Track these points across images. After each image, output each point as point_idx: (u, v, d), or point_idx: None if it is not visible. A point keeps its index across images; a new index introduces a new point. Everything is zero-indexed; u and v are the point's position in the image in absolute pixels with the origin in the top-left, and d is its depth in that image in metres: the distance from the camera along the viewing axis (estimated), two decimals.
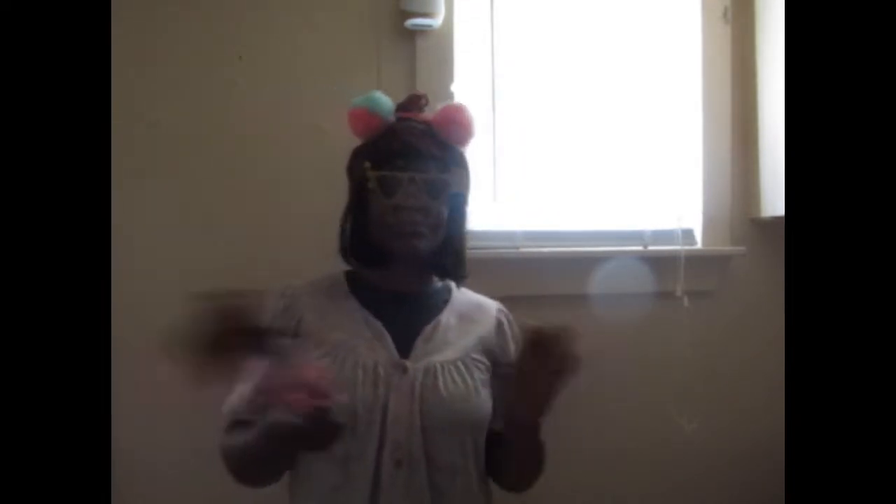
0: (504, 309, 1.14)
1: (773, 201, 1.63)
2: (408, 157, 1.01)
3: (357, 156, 1.07)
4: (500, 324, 1.11)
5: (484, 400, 1.02)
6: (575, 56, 1.62)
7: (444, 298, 1.10)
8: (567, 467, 1.50)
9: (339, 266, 1.11)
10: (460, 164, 1.06)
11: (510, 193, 1.57)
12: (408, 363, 0.99)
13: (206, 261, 1.37)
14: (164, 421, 1.35)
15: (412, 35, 1.45)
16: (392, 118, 1.06)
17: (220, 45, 1.38)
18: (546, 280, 1.50)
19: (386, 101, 1.07)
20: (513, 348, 1.08)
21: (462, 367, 1.02)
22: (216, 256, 1.38)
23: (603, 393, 1.56)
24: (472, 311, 1.10)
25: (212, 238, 1.38)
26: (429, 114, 1.09)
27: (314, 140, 1.40)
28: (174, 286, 1.36)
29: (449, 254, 1.07)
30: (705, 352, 1.61)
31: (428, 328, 1.04)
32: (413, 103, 1.09)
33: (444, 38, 1.47)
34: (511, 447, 1.02)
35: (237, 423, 1.00)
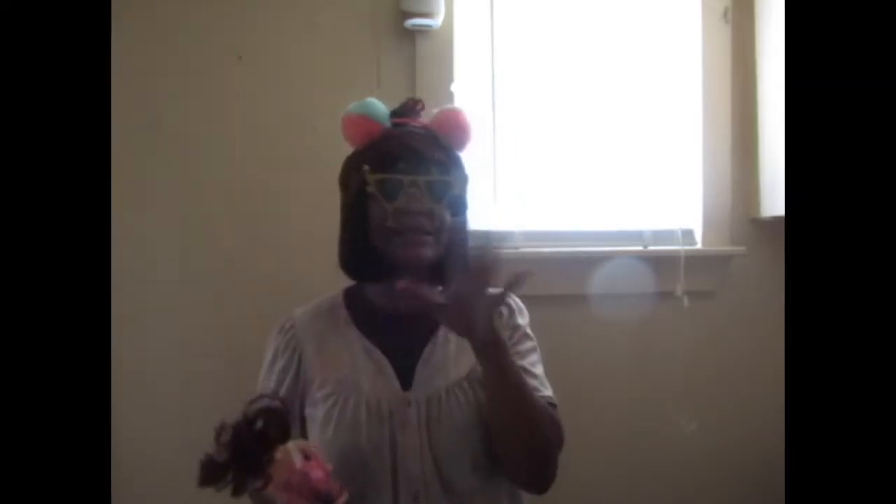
0: (507, 299, 1.05)
1: (773, 201, 1.63)
2: (409, 160, 0.97)
3: (352, 163, 1.03)
4: (499, 317, 1.03)
5: None
6: (575, 56, 1.62)
7: None
8: (566, 467, 1.50)
9: (337, 268, 1.10)
10: (460, 167, 1.03)
11: (510, 193, 1.57)
12: (410, 396, 0.97)
13: (205, 260, 1.38)
14: (164, 421, 1.35)
15: (412, 35, 1.45)
16: (388, 123, 1.03)
17: (220, 45, 1.38)
18: (546, 280, 1.50)
19: (382, 107, 1.04)
20: (508, 335, 1.02)
21: (467, 387, 0.98)
22: (216, 256, 1.38)
23: (603, 392, 1.56)
24: None
25: (211, 238, 1.38)
26: (425, 119, 1.06)
27: (313, 140, 1.40)
28: (174, 286, 1.37)
29: (454, 261, 0.99)
30: (705, 352, 1.62)
31: (427, 350, 1.00)
32: (410, 108, 1.05)
33: (444, 38, 1.47)
34: (494, 407, 0.94)
35: None
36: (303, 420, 1.01)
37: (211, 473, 0.77)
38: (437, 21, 1.42)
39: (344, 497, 0.80)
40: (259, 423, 0.79)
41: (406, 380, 0.98)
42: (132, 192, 1.32)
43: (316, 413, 0.98)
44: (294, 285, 1.31)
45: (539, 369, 1.04)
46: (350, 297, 1.07)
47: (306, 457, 0.79)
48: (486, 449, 0.97)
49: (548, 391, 1.02)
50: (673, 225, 1.63)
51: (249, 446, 0.77)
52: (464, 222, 1.03)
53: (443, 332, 1.01)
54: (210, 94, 1.38)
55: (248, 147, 1.39)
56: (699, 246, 1.66)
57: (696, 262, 1.59)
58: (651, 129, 1.67)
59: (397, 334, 1.00)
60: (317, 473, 0.79)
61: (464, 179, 1.02)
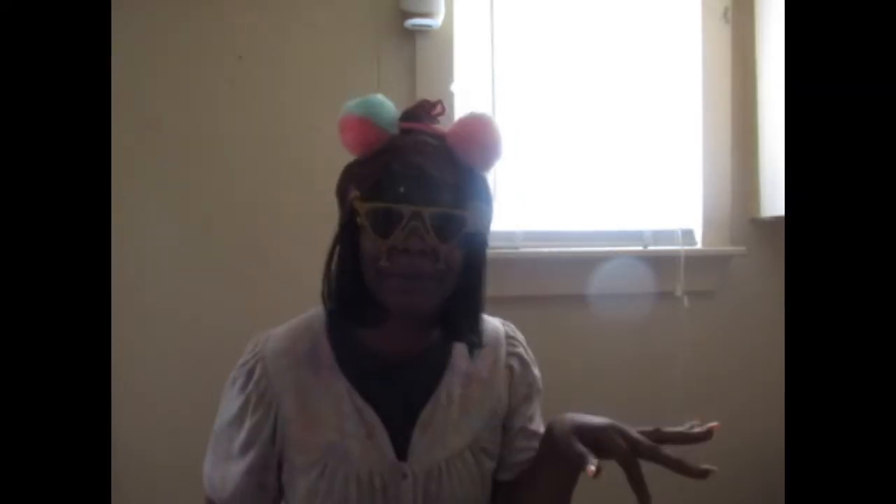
0: (515, 348, 0.92)
1: (773, 201, 1.63)
2: (413, 184, 0.75)
3: (348, 176, 0.82)
4: (511, 373, 0.90)
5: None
6: (575, 56, 1.62)
7: (443, 360, 0.87)
8: None
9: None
10: (482, 196, 0.80)
11: (510, 193, 1.57)
12: (406, 468, 0.82)
13: (204, 260, 1.38)
14: (164, 420, 1.35)
15: (412, 35, 1.45)
16: (394, 130, 0.80)
17: (220, 45, 1.38)
18: (546, 280, 1.50)
19: (388, 108, 0.80)
20: (522, 396, 0.90)
21: (469, 458, 0.85)
22: (214, 256, 1.38)
23: (603, 393, 1.56)
24: (479, 368, 0.88)
25: (211, 237, 1.38)
26: (443, 126, 0.83)
27: (313, 140, 1.40)
28: (174, 286, 1.37)
29: (462, 310, 0.82)
30: (705, 352, 1.62)
31: (426, 412, 0.83)
32: (424, 111, 0.83)
33: (444, 38, 1.47)
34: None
35: None
36: (278, 470, 0.85)
37: None
38: (437, 21, 1.42)
39: None
40: None
41: (401, 445, 0.82)
42: (132, 192, 1.32)
43: (297, 483, 0.82)
44: (294, 287, 1.31)
45: (541, 427, 0.90)
46: (334, 330, 0.85)
47: None
48: None
49: None
50: (673, 225, 1.63)
51: None
52: (480, 263, 0.82)
53: (446, 386, 0.85)
54: (210, 94, 1.38)
55: (249, 147, 1.39)
56: (699, 246, 1.66)
57: (696, 262, 1.59)
58: (651, 129, 1.67)
59: (392, 386, 0.83)
60: None
61: (486, 211, 0.80)
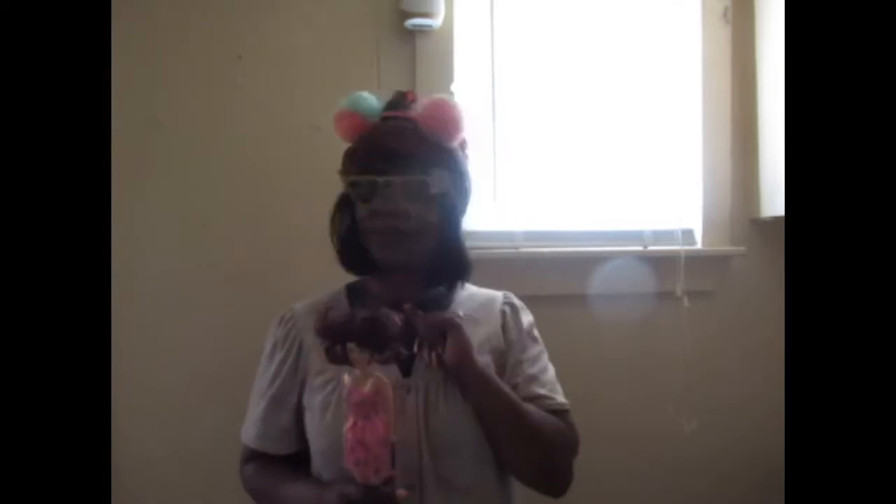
0: (510, 299, 1.09)
1: (773, 201, 1.63)
2: (387, 159, 0.96)
3: (345, 158, 1.03)
4: (503, 315, 1.06)
5: None
6: (575, 56, 1.62)
7: (445, 304, 1.05)
8: None
9: (337, 268, 1.10)
10: (447, 165, 0.99)
11: (510, 193, 1.57)
12: (410, 382, 0.96)
13: (204, 260, 1.38)
14: (164, 421, 1.35)
15: (412, 35, 1.45)
16: (377, 118, 1.01)
17: (220, 45, 1.38)
18: (546, 280, 1.50)
19: (370, 101, 1.02)
20: (515, 337, 1.04)
21: None
22: (215, 256, 1.38)
23: (603, 393, 1.56)
24: (475, 311, 1.05)
25: (211, 238, 1.38)
26: (416, 111, 1.01)
27: (313, 140, 1.40)
28: (173, 286, 1.37)
29: (445, 258, 1.02)
30: (705, 352, 1.62)
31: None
32: (398, 102, 1.02)
33: (444, 38, 1.47)
34: (492, 436, 0.96)
35: (256, 454, 1.03)
36: (298, 412, 1.00)
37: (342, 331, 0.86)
38: (437, 21, 1.42)
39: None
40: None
41: (406, 369, 0.96)
42: (132, 192, 1.32)
43: (314, 401, 0.97)
44: (295, 285, 1.31)
45: (548, 374, 1.05)
46: (352, 291, 1.08)
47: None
48: (484, 446, 0.97)
49: (559, 397, 1.02)
50: (673, 225, 1.63)
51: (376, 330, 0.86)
52: (449, 219, 1.01)
53: None
54: (210, 95, 1.38)
55: (248, 147, 1.39)
56: (699, 246, 1.66)
57: (696, 262, 1.59)
58: (651, 129, 1.67)
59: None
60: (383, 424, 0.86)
61: (450, 175, 0.99)
